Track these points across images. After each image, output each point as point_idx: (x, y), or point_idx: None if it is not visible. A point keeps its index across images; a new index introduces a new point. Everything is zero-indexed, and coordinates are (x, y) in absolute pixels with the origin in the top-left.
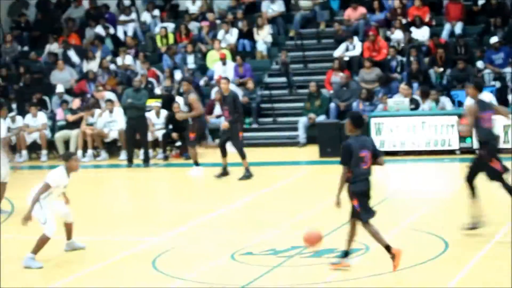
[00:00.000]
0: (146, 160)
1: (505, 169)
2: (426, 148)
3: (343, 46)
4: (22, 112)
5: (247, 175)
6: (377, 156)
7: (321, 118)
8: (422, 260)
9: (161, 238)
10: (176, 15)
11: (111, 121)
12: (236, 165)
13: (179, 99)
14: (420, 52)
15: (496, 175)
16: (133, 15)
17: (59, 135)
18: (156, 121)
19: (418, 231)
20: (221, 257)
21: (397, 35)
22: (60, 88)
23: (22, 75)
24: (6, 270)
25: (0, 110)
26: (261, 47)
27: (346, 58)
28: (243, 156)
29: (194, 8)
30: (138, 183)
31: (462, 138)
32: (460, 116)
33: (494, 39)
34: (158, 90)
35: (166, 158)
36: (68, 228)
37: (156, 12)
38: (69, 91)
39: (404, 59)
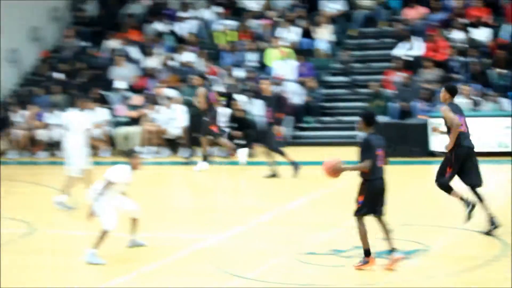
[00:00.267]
0: (205, 158)
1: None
2: (484, 150)
3: (403, 45)
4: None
5: (272, 174)
6: (386, 155)
7: (383, 118)
8: (481, 261)
9: (222, 236)
10: (237, 12)
11: (172, 118)
12: (293, 164)
13: (239, 97)
14: (480, 53)
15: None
16: (194, 12)
17: (120, 131)
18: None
19: (476, 232)
20: (282, 256)
21: (457, 35)
22: (120, 84)
23: (82, 71)
24: (69, 266)
25: (81, 103)
26: (322, 45)
27: (407, 58)
28: (280, 153)
29: (255, 6)
30: (199, 180)
31: None
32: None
33: None
34: (218, 88)
35: (228, 155)
36: (134, 223)
37: (217, 9)
38: (129, 88)
39: (465, 59)
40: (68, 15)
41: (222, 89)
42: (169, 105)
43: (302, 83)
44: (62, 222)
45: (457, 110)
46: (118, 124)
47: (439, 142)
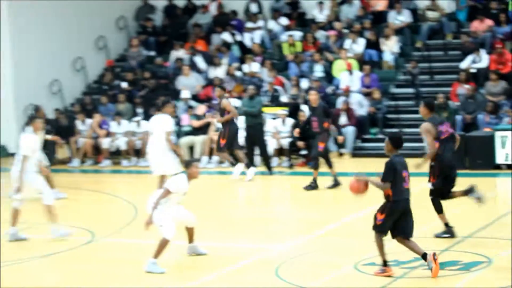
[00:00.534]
0: (269, 168)
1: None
2: None
3: (469, 58)
4: (148, 117)
5: (313, 186)
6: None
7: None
8: None
9: (285, 246)
10: (303, 23)
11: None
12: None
13: (305, 108)
14: None
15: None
16: (260, 23)
17: (184, 140)
18: (282, 128)
19: None
20: (344, 266)
21: None
22: (185, 94)
23: (148, 80)
24: (128, 274)
25: (164, 107)
26: (388, 57)
27: (472, 70)
28: (315, 166)
29: (321, 17)
30: (262, 190)
31: None
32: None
33: None
34: (284, 98)
35: (291, 166)
36: (190, 232)
37: (283, 20)
38: (194, 97)
39: None
40: (134, 24)
41: (286, 99)
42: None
43: (366, 94)
44: (124, 230)
45: (436, 121)
46: (183, 133)
47: (504, 155)
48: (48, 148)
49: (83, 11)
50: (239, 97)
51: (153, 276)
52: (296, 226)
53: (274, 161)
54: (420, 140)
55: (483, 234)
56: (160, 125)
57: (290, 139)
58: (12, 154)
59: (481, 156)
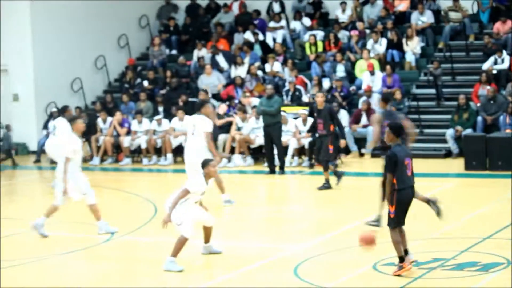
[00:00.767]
0: (281, 167)
1: None
2: None
3: (491, 59)
4: (169, 116)
5: (326, 186)
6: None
7: (468, 131)
8: None
9: (303, 246)
10: (326, 23)
11: (257, 127)
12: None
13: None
14: None
15: None
16: (283, 22)
17: None
18: (303, 128)
19: None
20: (362, 266)
21: None
22: (202, 95)
23: (170, 79)
24: (146, 273)
25: (202, 108)
26: (410, 58)
27: (494, 72)
28: (325, 168)
29: (343, 17)
30: (281, 190)
31: None
32: None
33: None
34: (305, 98)
35: (311, 166)
36: (207, 232)
37: (306, 20)
38: (216, 96)
39: None
40: (157, 23)
41: (308, 99)
42: (255, 114)
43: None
44: (143, 229)
45: (391, 116)
46: None
47: None
48: None
49: (106, 10)
50: (260, 96)
51: (171, 274)
52: (314, 225)
53: (295, 160)
54: (441, 141)
55: (503, 236)
56: (199, 126)
57: (310, 139)
58: (33, 152)
59: (501, 158)
